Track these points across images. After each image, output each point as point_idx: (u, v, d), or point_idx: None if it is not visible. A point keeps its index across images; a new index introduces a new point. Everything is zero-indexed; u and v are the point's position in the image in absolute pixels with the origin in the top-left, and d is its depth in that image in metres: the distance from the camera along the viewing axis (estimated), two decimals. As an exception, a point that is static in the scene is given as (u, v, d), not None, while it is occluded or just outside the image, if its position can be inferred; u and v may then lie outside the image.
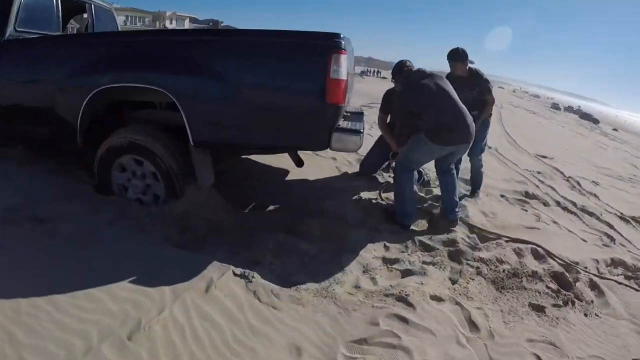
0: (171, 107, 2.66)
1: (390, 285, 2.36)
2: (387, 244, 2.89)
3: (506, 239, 3.20)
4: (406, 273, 2.55)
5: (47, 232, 2.36)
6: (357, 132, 2.54)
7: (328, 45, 2.40)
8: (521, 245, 3.10)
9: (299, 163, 3.14)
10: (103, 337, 1.65)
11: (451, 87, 3.18)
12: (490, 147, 7.39)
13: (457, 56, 3.68)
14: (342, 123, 2.76)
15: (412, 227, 3.19)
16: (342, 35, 2.44)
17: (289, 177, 4.05)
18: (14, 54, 2.97)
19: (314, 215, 3.06)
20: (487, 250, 3.00)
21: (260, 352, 1.74)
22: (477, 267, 2.74)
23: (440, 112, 3.00)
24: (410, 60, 3.28)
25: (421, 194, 3.90)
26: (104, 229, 2.49)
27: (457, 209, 3.27)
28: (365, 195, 3.68)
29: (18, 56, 2.98)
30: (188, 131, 2.57)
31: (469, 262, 2.80)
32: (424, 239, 3.00)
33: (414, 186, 3.51)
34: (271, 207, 3.24)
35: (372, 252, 2.75)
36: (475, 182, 4.09)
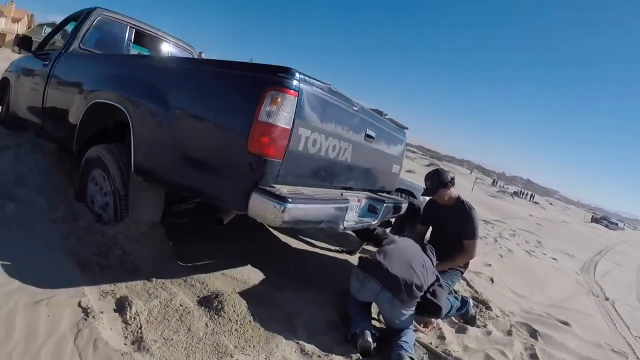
0: None
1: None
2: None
3: None
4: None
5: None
6: (283, 200, 1.91)
7: (265, 79, 1.99)
8: None
9: (217, 220, 2.61)
10: None
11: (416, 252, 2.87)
12: (607, 299, 5.58)
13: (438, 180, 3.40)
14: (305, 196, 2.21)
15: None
16: (294, 72, 2.00)
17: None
18: (65, 62, 3.56)
19: (256, 300, 2.49)
20: None
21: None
22: None
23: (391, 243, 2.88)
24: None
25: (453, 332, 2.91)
26: (42, 222, 2.60)
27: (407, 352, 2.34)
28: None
29: (67, 62, 3.55)
30: (132, 156, 2.45)
31: None
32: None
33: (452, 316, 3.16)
34: (219, 272, 2.76)
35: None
36: None
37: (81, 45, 3.59)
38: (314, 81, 2.14)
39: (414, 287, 2.49)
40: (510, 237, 9.04)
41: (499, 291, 4.40)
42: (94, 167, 2.81)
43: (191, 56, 4.65)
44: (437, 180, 3.36)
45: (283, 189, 2.05)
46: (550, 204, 48.56)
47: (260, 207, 1.93)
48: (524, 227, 12.72)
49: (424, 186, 3.44)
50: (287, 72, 1.98)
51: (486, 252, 6.46)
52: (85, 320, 1.84)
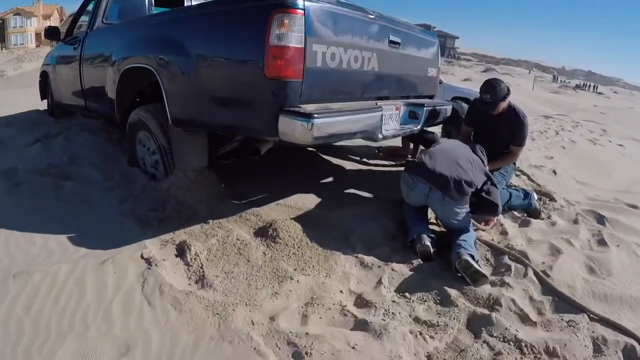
0: None
1: (306, 334, 1.67)
2: (387, 280, 2.12)
3: (594, 317, 1.96)
4: (360, 325, 1.77)
5: (56, 186, 2.81)
6: (309, 117, 1.90)
7: (269, 4, 1.96)
8: (613, 335, 1.85)
9: (254, 151, 2.64)
10: (2, 269, 1.95)
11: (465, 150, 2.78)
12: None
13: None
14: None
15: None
16: None
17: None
18: (92, 40, 3.62)
19: (311, 222, 2.53)
20: (544, 328, 1.90)
21: (89, 336, 1.61)
22: (498, 353, 1.71)
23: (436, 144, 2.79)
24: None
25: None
26: (99, 192, 2.77)
27: (466, 250, 2.25)
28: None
29: (93, 41, 3.61)
30: (167, 110, 2.50)
31: (492, 340, 1.77)
32: (454, 289, 2.08)
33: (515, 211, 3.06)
34: (273, 203, 2.81)
35: (347, 285, 2.08)
36: None
37: (104, 21, 3.60)
38: None
39: (463, 183, 2.39)
40: (573, 129, 8.45)
41: (562, 182, 4.16)
42: (138, 129, 2.91)
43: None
44: (496, 94, 3.03)
45: (309, 107, 2.04)
46: (615, 92, 44.75)
47: (289, 129, 1.95)
48: (587, 117, 11.85)
49: (482, 97, 3.12)
50: None
51: (547, 145, 6.10)
52: (149, 269, 1.96)
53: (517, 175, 3.87)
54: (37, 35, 44.25)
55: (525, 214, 3.09)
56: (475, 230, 2.60)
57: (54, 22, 46.17)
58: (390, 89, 2.80)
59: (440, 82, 8.60)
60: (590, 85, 42.28)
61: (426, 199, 2.49)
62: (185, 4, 4.31)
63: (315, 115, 1.91)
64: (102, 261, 1.98)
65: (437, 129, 4.42)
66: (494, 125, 3.17)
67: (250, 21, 2.06)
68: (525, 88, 25.92)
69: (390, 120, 2.59)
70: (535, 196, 3.18)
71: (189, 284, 1.94)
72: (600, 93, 36.87)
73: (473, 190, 2.47)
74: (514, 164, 3.34)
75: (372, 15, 2.45)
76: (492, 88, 3.05)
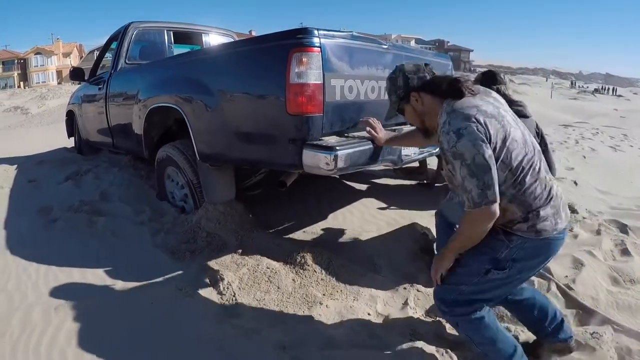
0: None
1: (337, 357, 1.77)
2: (413, 301, 2.21)
3: (618, 328, 2.01)
4: (387, 346, 1.85)
5: (90, 222, 2.96)
6: (331, 150, 2.01)
7: (287, 44, 2.06)
8: (637, 345, 1.91)
9: (280, 184, 2.76)
10: (44, 302, 2.10)
11: None
12: None
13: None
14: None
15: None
16: (312, 30, 2.06)
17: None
18: (117, 81, 3.83)
19: (337, 248, 2.68)
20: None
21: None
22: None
23: None
24: None
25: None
26: (132, 226, 2.92)
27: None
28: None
29: (118, 81, 3.82)
30: (194, 146, 2.65)
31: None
32: None
33: None
34: (300, 231, 2.95)
35: (374, 307, 2.16)
36: None
37: (127, 61, 3.84)
38: (334, 33, 2.19)
39: None
40: (593, 136, 8.41)
41: (584, 193, 4.18)
42: (166, 165, 3.09)
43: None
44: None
45: (331, 140, 2.15)
46: (635, 93, 44.16)
47: (313, 161, 2.04)
48: (607, 123, 11.77)
49: None
50: (306, 32, 2.05)
51: (567, 156, 6.11)
52: (184, 299, 2.09)
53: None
54: (58, 72, 46.20)
55: None
56: None
57: (74, 59, 48.13)
58: None
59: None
60: (609, 89, 41.91)
61: None
62: (203, 42, 4.58)
63: (338, 147, 2.01)
64: (139, 293, 2.12)
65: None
66: None
67: (271, 61, 2.17)
68: (543, 97, 25.83)
69: None
70: None
71: (218, 314, 2.04)
72: (619, 95, 36.58)
73: None
74: None
75: (385, 45, 2.56)
76: None
